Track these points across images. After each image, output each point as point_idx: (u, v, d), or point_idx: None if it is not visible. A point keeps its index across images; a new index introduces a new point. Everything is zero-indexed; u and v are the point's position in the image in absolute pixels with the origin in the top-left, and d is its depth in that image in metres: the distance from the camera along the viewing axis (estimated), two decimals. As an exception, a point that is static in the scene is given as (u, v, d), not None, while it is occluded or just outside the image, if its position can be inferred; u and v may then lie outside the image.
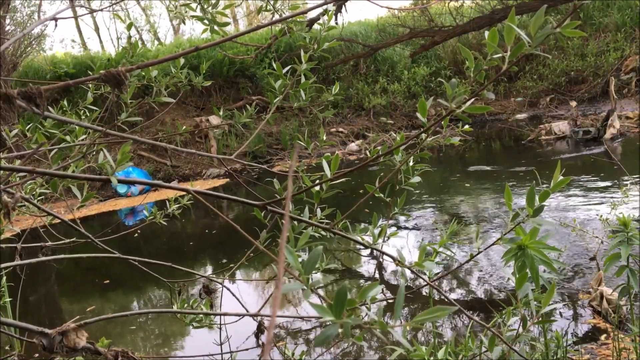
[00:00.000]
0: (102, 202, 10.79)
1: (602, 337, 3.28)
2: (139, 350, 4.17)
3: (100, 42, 32.35)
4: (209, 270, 6.00)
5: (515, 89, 14.44)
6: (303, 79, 1.73)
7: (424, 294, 4.24)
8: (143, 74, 1.80)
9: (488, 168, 8.97)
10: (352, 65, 15.05)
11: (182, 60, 1.86)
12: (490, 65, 1.09)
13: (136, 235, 7.48)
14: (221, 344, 2.14)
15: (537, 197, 1.30)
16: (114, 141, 1.92)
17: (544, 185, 1.34)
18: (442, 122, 1.29)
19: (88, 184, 1.62)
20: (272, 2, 1.60)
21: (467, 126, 1.31)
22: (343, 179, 1.40)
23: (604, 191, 6.38)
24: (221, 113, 1.96)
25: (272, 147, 13.14)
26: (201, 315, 1.83)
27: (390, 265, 5.20)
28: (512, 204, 1.37)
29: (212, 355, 2.19)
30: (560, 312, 3.67)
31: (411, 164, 1.56)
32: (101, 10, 2.15)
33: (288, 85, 1.71)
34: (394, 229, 5.93)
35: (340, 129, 13.65)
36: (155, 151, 12.62)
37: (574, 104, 12.28)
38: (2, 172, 1.31)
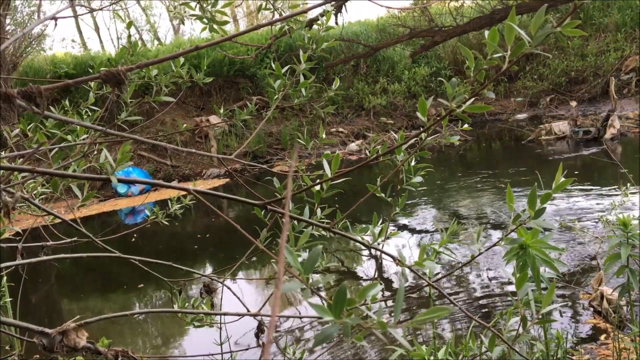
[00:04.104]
0: (102, 202, 10.79)
1: (602, 337, 3.28)
2: (139, 350, 4.16)
3: (101, 42, 32.31)
4: (209, 269, 6.00)
5: (515, 89, 14.44)
6: (302, 79, 1.73)
7: (424, 294, 4.24)
8: (144, 73, 1.80)
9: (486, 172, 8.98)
10: (353, 66, 15.05)
11: (182, 60, 1.86)
12: (491, 65, 1.09)
13: (134, 237, 7.48)
14: (221, 344, 2.14)
15: (538, 199, 1.30)
16: (115, 140, 1.92)
17: (546, 189, 1.34)
18: (442, 122, 1.29)
19: (88, 183, 1.62)
20: (272, 1, 1.60)
21: (466, 125, 1.31)
22: (343, 179, 1.40)
23: (603, 191, 6.37)
24: (222, 111, 1.96)
25: (272, 147, 13.14)
26: (202, 315, 1.83)
27: (390, 265, 5.20)
28: (513, 205, 1.37)
29: (212, 355, 2.19)
30: (560, 312, 3.67)
31: (412, 164, 1.56)
32: (101, 9, 2.15)
33: (287, 85, 1.71)
34: (394, 228, 5.93)
35: (340, 129, 13.65)
36: (155, 151, 12.62)
37: (574, 104, 12.28)
38: (2, 171, 1.31)
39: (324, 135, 1.78)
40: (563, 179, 1.30)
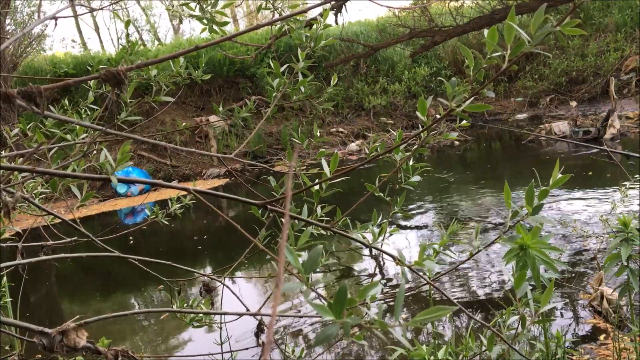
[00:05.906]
0: (102, 202, 10.78)
1: (602, 337, 3.28)
2: (139, 350, 4.16)
3: (101, 42, 32.33)
4: (208, 269, 6.00)
5: (515, 89, 14.43)
6: (301, 78, 1.73)
7: (424, 293, 4.24)
8: (143, 73, 1.80)
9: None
10: (353, 65, 15.04)
11: (181, 60, 1.86)
12: (490, 65, 1.09)
13: (131, 239, 7.48)
14: (221, 344, 2.14)
15: (536, 196, 1.30)
16: (114, 140, 1.92)
17: (544, 183, 1.34)
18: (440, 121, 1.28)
19: (88, 183, 1.62)
20: (272, 1, 1.60)
21: (464, 122, 1.32)
22: (341, 178, 1.40)
23: (603, 191, 6.37)
24: (221, 110, 1.96)
25: (272, 147, 13.14)
26: (201, 315, 1.83)
27: (390, 265, 5.20)
28: (512, 202, 1.36)
29: (212, 354, 2.19)
30: (560, 312, 3.67)
31: (411, 163, 1.56)
32: (101, 9, 2.15)
33: (286, 84, 1.71)
34: (394, 227, 5.93)
35: (340, 129, 13.65)
36: (155, 151, 12.62)
37: (574, 104, 12.27)
38: (2, 171, 1.31)
39: (318, 133, 1.78)
40: (560, 175, 1.30)
